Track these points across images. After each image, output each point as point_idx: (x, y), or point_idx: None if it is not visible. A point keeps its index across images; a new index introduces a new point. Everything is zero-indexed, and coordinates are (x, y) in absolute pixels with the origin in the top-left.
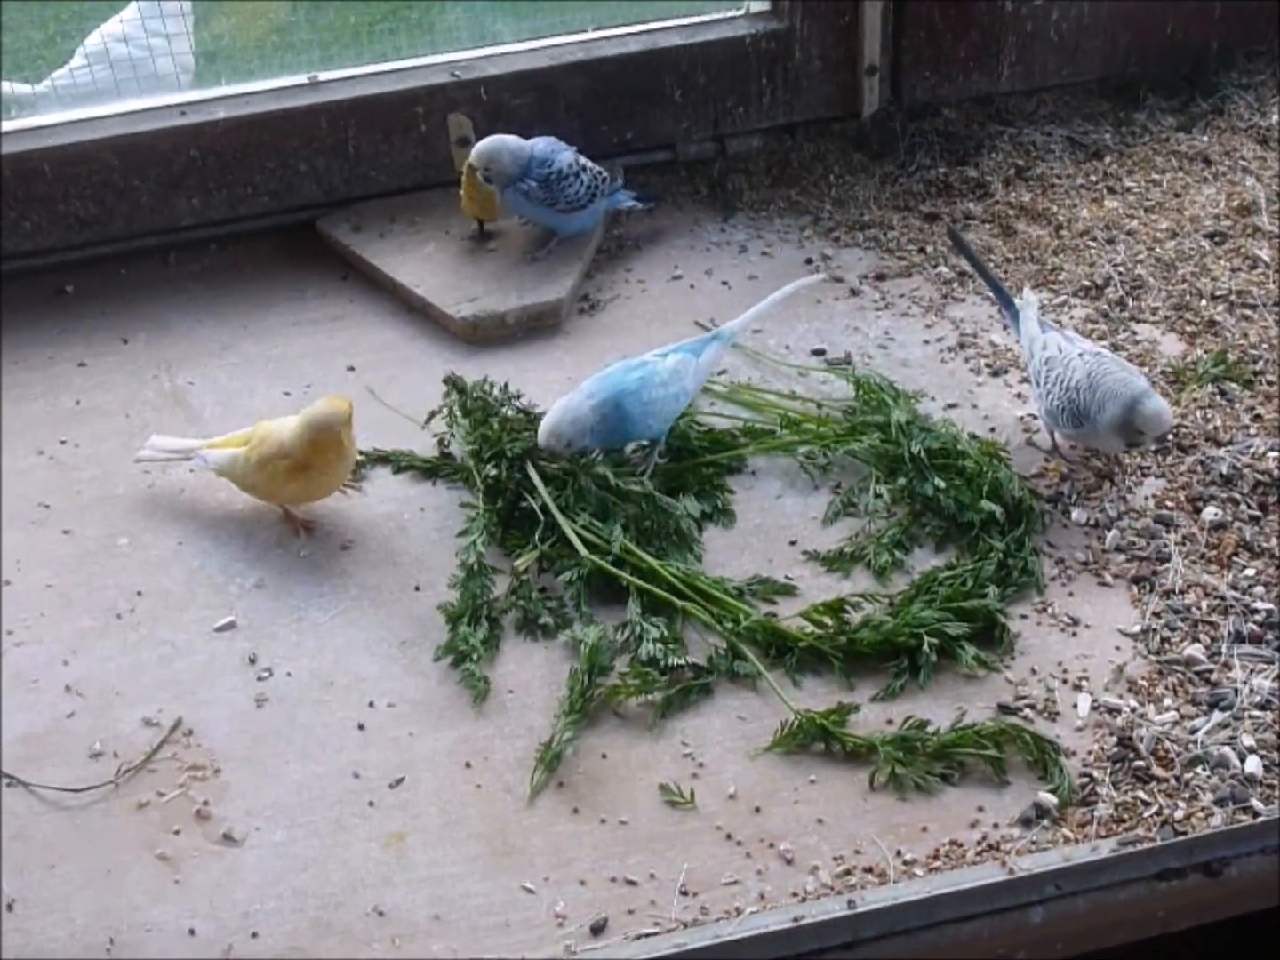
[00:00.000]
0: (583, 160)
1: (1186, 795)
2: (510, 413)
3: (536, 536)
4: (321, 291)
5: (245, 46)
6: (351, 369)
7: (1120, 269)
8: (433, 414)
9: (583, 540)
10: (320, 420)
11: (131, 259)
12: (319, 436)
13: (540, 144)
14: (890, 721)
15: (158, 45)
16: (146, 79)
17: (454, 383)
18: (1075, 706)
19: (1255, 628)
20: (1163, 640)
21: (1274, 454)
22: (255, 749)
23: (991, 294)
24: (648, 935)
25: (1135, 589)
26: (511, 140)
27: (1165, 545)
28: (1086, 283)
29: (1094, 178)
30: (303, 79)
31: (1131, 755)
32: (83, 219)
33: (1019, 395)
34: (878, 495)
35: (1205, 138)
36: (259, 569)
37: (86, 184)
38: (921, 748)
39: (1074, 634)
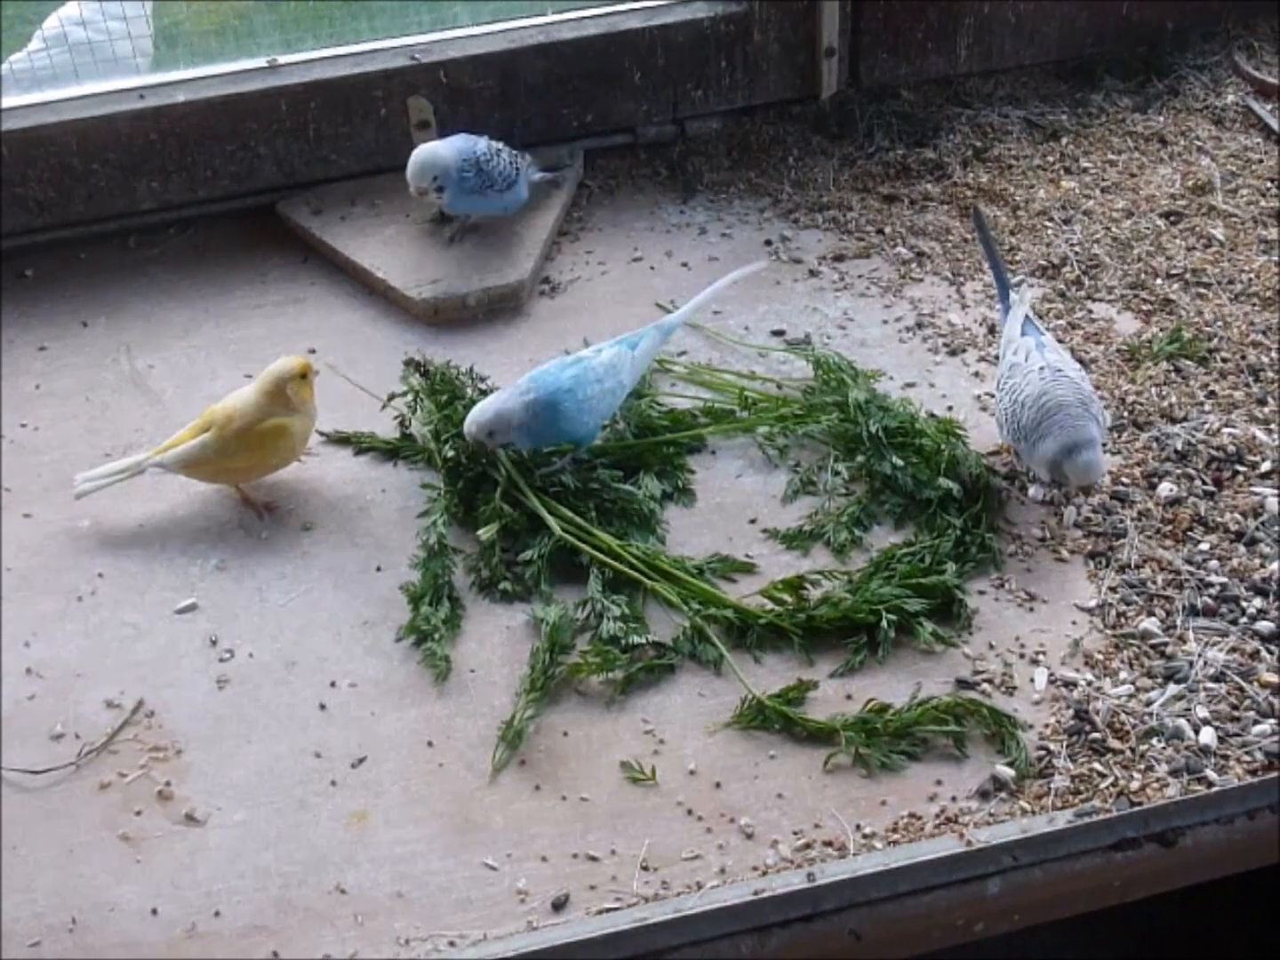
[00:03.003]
0: (494, 143)
1: (1142, 766)
2: (475, 395)
3: (497, 504)
4: (282, 274)
5: (204, 30)
6: (313, 351)
7: (1077, 248)
8: (392, 396)
9: (546, 514)
10: (279, 368)
11: (91, 243)
12: (278, 385)
13: (456, 140)
14: (850, 697)
15: (116, 29)
16: (105, 62)
17: (416, 366)
18: (1032, 680)
19: (1209, 601)
20: (1119, 614)
21: (1228, 430)
22: (217, 730)
23: (993, 282)
24: (609, 910)
25: (1092, 564)
26: (439, 145)
27: (1121, 521)
28: (1043, 262)
29: (1051, 158)
30: (262, 62)
31: (1088, 728)
32: (42, 203)
33: (976, 374)
34: (836, 473)
35: (1161, 118)
36: (220, 550)
37: (45, 168)
38: (883, 729)
39: (1031, 609)
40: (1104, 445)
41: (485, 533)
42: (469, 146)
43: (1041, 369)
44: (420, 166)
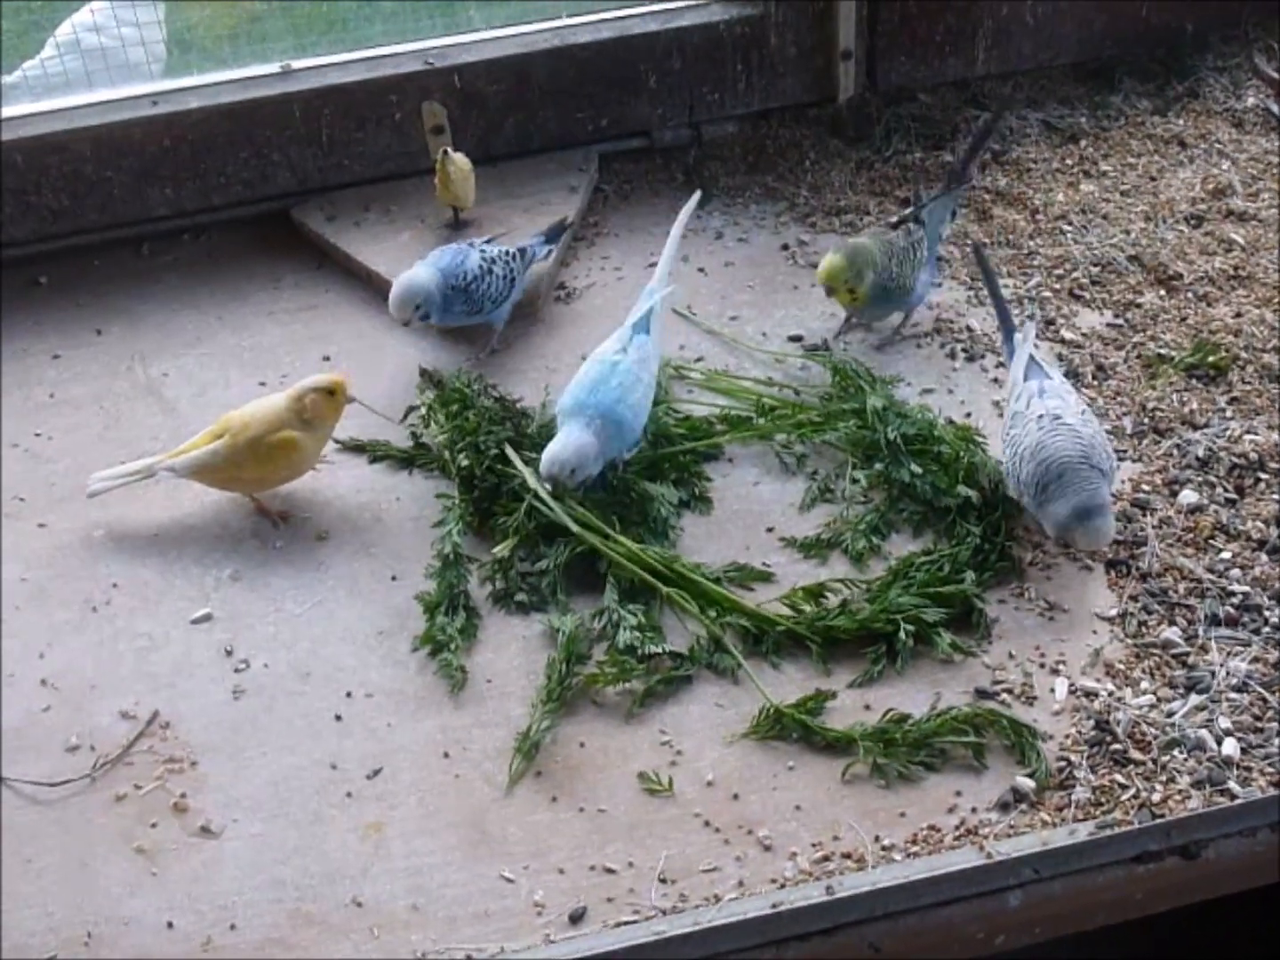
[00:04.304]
0: (489, 251)
1: (1164, 778)
2: (488, 403)
3: (515, 522)
4: (296, 281)
5: (217, 35)
6: (327, 359)
7: (1095, 253)
8: (409, 411)
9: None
10: (309, 379)
11: (105, 250)
12: (301, 394)
13: (444, 258)
14: (868, 707)
15: (129, 35)
16: (118, 69)
17: (430, 377)
18: (1052, 690)
19: (1231, 610)
20: (1140, 624)
21: (1250, 436)
22: (233, 741)
23: (999, 321)
24: (627, 923)
25: (1112, 573)
26: (422, 271)
27: (1142, 529)
28: (1060, 271)
29: (1070, 161)
30: (275, 68)
31: (1109, 738)
32: (55, 210)
33: (995, 380)
34: (854, 481)
35: (1180, 121)
36: (235, 560)
37: (59, 175)
38: (901, 739)
39: (1051, 618)
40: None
41: (501, 549)
42: (456, 265)
43: (1040, 418)
44: (401, 298)
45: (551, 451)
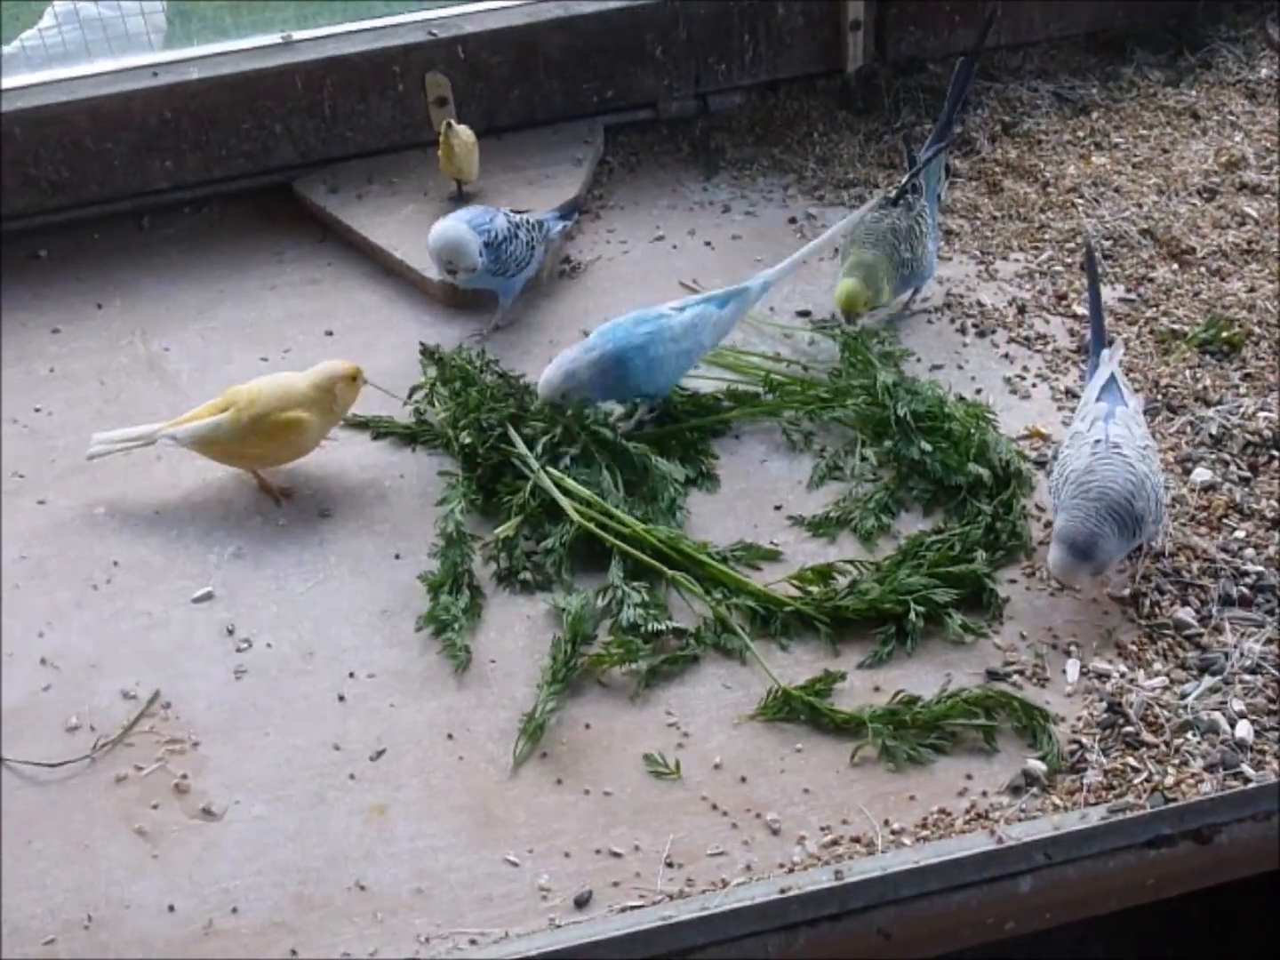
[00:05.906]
0: (514, 217)
1: (1177, 761)
2: (490, 379)
3: (519, 500)
4: (298, 254)
5: (218, 6)
6: (330, 333)
7: (1107, 226)
8: (414, 389)
9: (568, 501)
10: (333, 366)
11: (105, 223)
12: (330, 381)
13: (467, 214)
14: (878, 689)
15: (128, 5)
16: (117, 39)
17: (431, 354)
18: (1064, 672)
19: (1245, 591)
20: (1152, 604)
21: (1264, 414)
22: (234, 721)
23: (1090, 332)
24: (633, 908)
25: None
26: (464, 226)
27: None
28: (1071, 245)
29: (1081, 133)
30: (277, 38)
31: (1121, 721)
32: (55, 183)
33: (1006, 356)
34: (863, 459)
35: (1193, 92)
36: (237, 538)
37: (58, 147)
38: (911, 721)
39: (1063, 598)
40: (1158, 532)
41: (504, 530)
42: (486, 222)
43: (1097, 442)
44: (464, 246)
45: (544, 375)
